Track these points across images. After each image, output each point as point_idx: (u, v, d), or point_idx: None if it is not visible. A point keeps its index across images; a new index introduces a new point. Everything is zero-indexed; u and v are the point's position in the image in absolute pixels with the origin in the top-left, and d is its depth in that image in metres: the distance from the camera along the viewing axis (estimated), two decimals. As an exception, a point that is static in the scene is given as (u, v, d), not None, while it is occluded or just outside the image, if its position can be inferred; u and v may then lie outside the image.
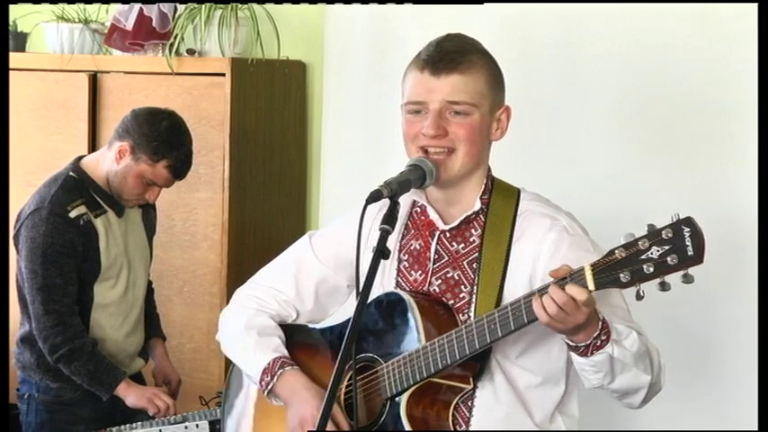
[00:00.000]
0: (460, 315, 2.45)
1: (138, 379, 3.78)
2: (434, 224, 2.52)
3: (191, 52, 4.35)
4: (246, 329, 2.66)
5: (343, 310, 2.69)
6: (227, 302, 2.81)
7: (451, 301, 2.47)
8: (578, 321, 2.20)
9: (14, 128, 4.34)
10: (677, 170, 3.49)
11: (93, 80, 4.43)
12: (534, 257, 2.43)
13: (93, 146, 4.35)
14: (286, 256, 2.75)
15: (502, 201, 2.50)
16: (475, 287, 2.45)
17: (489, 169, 2.53)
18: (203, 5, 4.26)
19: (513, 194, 2.53)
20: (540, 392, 2.49)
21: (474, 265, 2.47)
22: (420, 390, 2.42)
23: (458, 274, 2.48)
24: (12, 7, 4.53)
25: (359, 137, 4.18)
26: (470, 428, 2.44)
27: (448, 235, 2.51)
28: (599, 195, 3.57)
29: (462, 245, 2.50)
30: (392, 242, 2.41)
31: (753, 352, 3.11)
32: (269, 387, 2.58)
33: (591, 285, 2.17)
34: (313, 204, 4.53)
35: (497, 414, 2.45)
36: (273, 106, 4.39)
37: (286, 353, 2.62)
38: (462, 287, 2.47)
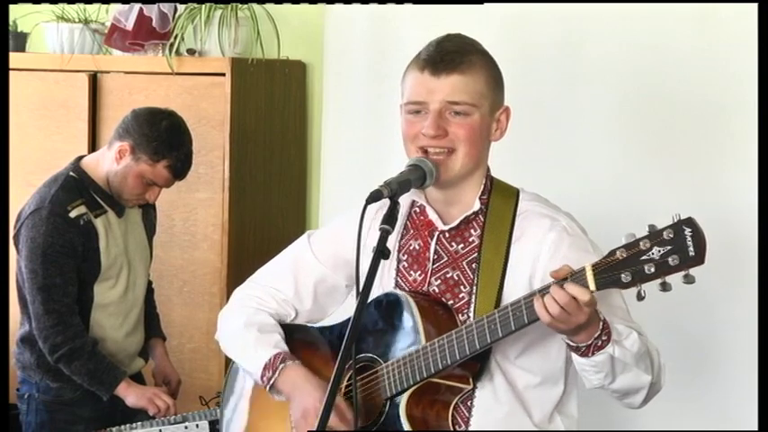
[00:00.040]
0: (460, 315, 2.45)
1: (138, 379, 3.78)
2: (434, 224, 2.52)
3: (191, 52, 4.35)
4: (246, 327, 2.66)
5: (342, 310, 2.69)
6: (227, 302, 2.81)
7: (451, 302, 2.47)
8: (580, 321, 2.21)
9: (14, 128, 4.34)
10: (677, 170, 3.49)
11: (93, 80, 4.43)
12: (534, 257, 2.43)
13: (93, 146, 4.35)
14: (285, 256, 2.76)
15: (501, 201, 2.50)
16: (474, 287, 2.45)
17: (488, 169, 2.53)
18: (203, 5, 4.26)
19: (512, 194, 2.53)
20: (539, 392, 2.49)
21: (473, 266, 2.47)
22: (420, 390, 2.42)
23: (457, 275, 2.48)
24: (12, 7, 4.53)
25: (359, 137, 4.18)
26: (470, 429, 2.44)
27: (447, 235, 2.51)
28: (599, 195, 3.56)
29: (461, 245, 2.50)
30: (391, 242, 2.41)
31: (752, 352, 3.10)
32: (270, 382, 2.57)
33: (592, 286, 2.17)
34: (313, 204, 4.53)
35: (497, 414, 2.45)
36: (273, 106, 4.39)
37: (286, 348, 2.62)
38: (462, 287, 2.47)
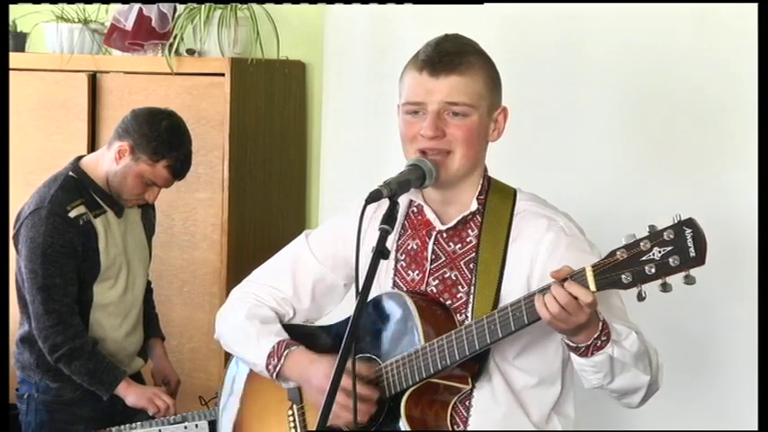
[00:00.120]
0: (458, 315, 2.45)
1: (137, 379, 3.78)
2: (431, 224, 2.52)
3: (190, 52, 4.35)
4: (248, 319, 2.66)
5: (339, 310, 2.69)
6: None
7: (449, 302, 2.47)
8: (580, 321, 2.20)
9: (14, 128, 4.34)
10: (677, 170, 3.48)
11: (93, 80, 4.43)
12: (532, 258, 2.43)
13: (92, 146, 4.35)
14: (283, 255, 2.76)
15: (498, 201, 2.50)
16: (472, 287, 2.45)
17: (486, 169, 2.53)
18: (203, 5, 4.25)
19: (510, 194, 2.53)
20: (537, 393, 2.49)
21: (471, 266, 2.47)
22: (419, 390, 2.42)
23: (455, 275, 2.48)
24: (12, 7, 4.53)
25: (359, 137, 4.18)
26: (468, 429, 2.44)
27: (445, 235, 2.51)
28: (599, 195, 3.56)
29: (459, 245, 2.49)
30: (390, 242, 2.41)
31: (752, 352, 3.10)
32: (277, 370, 2.57)
33: (592, 286, 2.17)
34: (313, 204, 4.53)
35: (495, 415, 2.45)
36: (273, 106, 4.39)
37: (288, 336, 2.62)
38: (459, 287, 2.47)
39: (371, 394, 2.43)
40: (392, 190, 2.33)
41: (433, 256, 2.51)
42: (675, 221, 2.11)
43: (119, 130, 3.64)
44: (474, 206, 2.49)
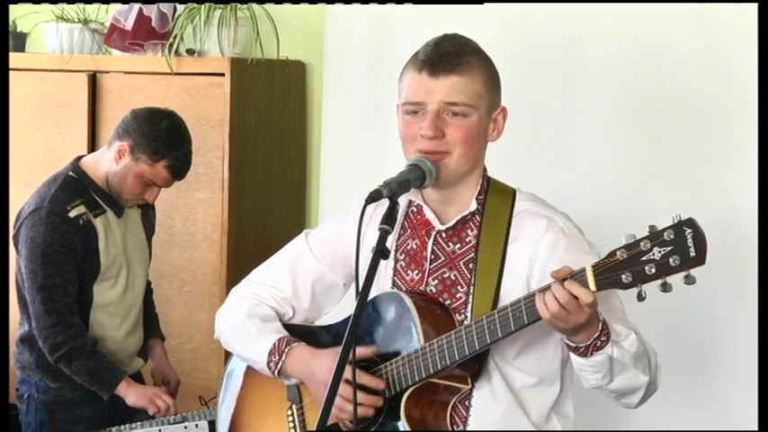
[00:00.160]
0: (457, 315, 2.45)
1: (137, 378, 3.78)
2: (431, 224, 2.52)
3: (190, 52, 4.35)
4: (248, 317, 2.66)
5: (338, 310, 2.69)
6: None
7: (448, 302, 2.47)
8: (580, 321, 2.21)
9: (14, 128, 4.34)
10: (677, 170, 3.48)
11: (93, 80, 4.43)
12: (531, 258, 2.43)
13: (92, 146, 4.35)
14: (282, 255, 2.76)
15: (497, 201, 2.50)
16: (471, 287, 2.45)
17: (485, 169, 2.53)
18: (203, 5, 4.25)
19: (509, 194, 2.53)
20: (536, 393, 2.49)
21: (470, 266, 2.47)
22: (418, 390, 2.42)
23: (454, 275, 2.48)
24: (12, 7, 4.53)
25: (359, 137, 4.18)
26: (468, 429, 2.44)
27: (444, 235, 2.51)
28: (599, 195, 3.56)
29: (458, 245, 2.49)
30: (389, 242, 2.40)
31: (752, 352, 3.10)
32: (278, 367, 2.57)
33: (592, 286, 2.17)
34: (313, 204, 4.53)
35: (495, 415, 2.45)
36: (273, 106, 4.39)
37: (288, 333, 2.62)
38: (459, 287, 2.47)
39: (378, 384, 2.43)
40: (392, 190, 2.33)
41: (433, 256, 2.51)
42: (675, 221, 2.10)
43: (119, 130, 3.65)
44: (473, 206, 2.49)
